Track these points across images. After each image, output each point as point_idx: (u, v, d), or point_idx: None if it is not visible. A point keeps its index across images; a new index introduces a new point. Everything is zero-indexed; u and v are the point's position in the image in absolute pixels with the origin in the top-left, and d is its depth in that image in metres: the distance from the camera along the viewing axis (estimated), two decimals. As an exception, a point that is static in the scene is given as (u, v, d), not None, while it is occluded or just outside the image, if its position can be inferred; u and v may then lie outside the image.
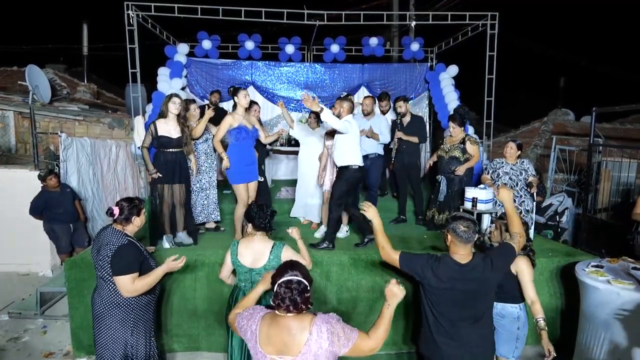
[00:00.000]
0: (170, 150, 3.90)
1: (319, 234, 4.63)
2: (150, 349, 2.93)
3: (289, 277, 1.92)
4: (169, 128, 3.89)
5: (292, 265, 2.01)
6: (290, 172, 7.50)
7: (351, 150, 4.09)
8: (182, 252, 3.84)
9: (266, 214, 2.87)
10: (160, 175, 3.88)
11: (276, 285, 1.92)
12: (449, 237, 2.47)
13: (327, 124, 4.05)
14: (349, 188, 4.17)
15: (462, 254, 2.44)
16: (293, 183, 5.26)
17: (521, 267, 2.77)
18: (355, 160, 4.10)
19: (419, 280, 2.53)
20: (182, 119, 4.01)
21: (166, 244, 4.04)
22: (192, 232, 4.17)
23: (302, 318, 1.89)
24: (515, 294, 2.83)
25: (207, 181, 4.69)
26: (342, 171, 4.13)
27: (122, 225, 2.76)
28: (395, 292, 2.08)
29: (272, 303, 1.94)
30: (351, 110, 4.16)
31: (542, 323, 2.62)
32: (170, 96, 3.96)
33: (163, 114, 3.92)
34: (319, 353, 1.81)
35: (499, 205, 4.52)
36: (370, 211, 2.75)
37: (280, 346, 1.85)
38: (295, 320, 1.87)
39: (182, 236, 4.12)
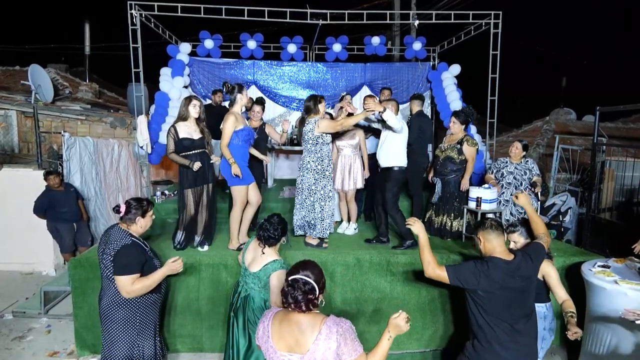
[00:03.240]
0: (194, 152, 3.85)
1: (350, 231, 4.67)
2: (156, 348, 2.94)
3: (297, 276, 1.94)
4: (189, 130, 3.85)
5: (304, 265, 2.02)
6: (292, 171, 7.49)
7: (399, 151, 4.15)
8: (190, 252, 3.89)
9: (267, 228, 2.76)
10: (200, 165, 3.79)
11: (285, 282, 1.97)
12: (482, 238, 2.50)
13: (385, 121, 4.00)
14: (399, 187, 4.22)
15: (501, 250, 2.46)
16: (295, 182, 5.22)
17: (547, 271, 2.81)
18: (400, 161, 4.15)
19: (471, 290, 2.46)
20: (202, 121, 3.96)
21: (204, 247, 3.98)
22: (208, 237, 4.08)
23: (313, 316, 1.90)
24: (541, 292, 2.86)
25: (319, 190, 4.31)
26: (387, 173, 4.16)
27: (127, 224, 2.77)
28: (402, 326, 1.97)
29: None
30: (397, 110, 4.19)
31: (572, 315, 2.60)
32: (190, 99, 3.91)
33: (183, 117, 3.87)
34: (326, 353, 1.82)
35: (503, 205, 4.52)
36: (416, 226, 2.67)
37: (291, 342, 1.88)
38: (306, 318, 1.89)
39: (198, 240, 4.02)
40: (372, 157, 5.27)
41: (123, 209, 2.74)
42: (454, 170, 4.50)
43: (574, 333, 2.41)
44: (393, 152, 4.15)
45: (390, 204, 4.12)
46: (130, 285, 2.60)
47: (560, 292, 2.77)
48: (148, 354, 2.85)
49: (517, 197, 2.93)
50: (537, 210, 4.48)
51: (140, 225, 2.80)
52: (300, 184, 4.08)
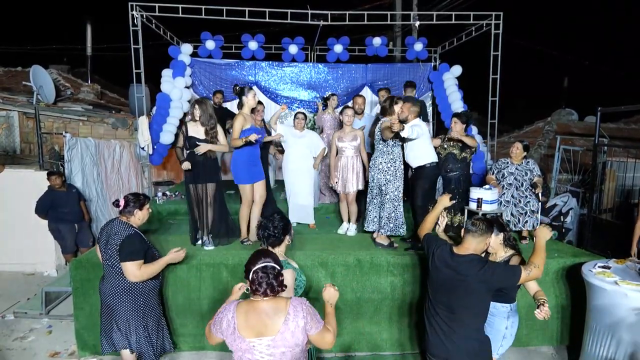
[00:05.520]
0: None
1: (351, 232, 4.66)
2: (164, 332, 3.22)
3: (264, 264, 2.04)
4: (197, 129, 4.02)
5: (264, 253, 2.14)
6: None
7: (424, 149, 4.20)
8: (191, 251, 3.88)
9: (267, 226, 2.71)
10: (189, 167, 4.00)
11: (252, 273, 2.03)
12: (463, 232, 2.64)
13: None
14: (430, 186, 4.27)
15: (465, 246, 2.57)
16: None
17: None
18: (429, 158, 4.21)
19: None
20: (206, 124, 4.02)
21: (207, 247, 4.06)
22: (216, 236, 4.17)
23: (277, 301, 2.03)
24: (508, 294, 2.84)
25: (391, 191, 4.14)
26: (420, 171, 4.21)
27: (127, 217, 2.99)
28: (332, 292, 2.26)
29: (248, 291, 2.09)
30: (417, 115, 4.25)
31: (544, 301, 2.59)
32: (194, 103, 4.11)
33: (192, 118, 4.11)
34: (296, 331, 1.97)
35: (504, 206, 4.52)
36: (444, 198, 3.13)
37: (259, 328, 1.98)
38: (271, 303, 2.01)
39: (206, 240, 4.11)
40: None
41: (122, 203, 2.97)
42: (455, 167, 4.57)
43: (544, 311, 2.48)
44: (420, 151, 4.21)
45: (419, 200, 4.18)
46: (137, 269, 2.84)
47: (532, 285, 2.78)
48: (155, 337, 3.09)
49: (536, 229, 2.82)
50: (538, 211, 4.50)
51: (139, 217, 3.03)
52: (371, 183, 4.16)
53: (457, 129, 4.59)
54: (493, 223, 2.80)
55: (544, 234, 2.66)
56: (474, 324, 2.57)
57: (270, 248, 2.70)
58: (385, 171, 4.03)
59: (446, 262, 2.57)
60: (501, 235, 2.88)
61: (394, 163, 4.04)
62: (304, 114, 5.15)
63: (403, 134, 3.75)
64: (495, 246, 2.87)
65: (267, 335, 1.96)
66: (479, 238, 2.54)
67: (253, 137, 3.88)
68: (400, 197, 4.12)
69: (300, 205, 5.01)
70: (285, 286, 2.08)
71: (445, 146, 4.63)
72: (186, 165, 3.97)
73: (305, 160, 4.98)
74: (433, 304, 2.66)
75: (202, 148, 3.92)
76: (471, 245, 2.55)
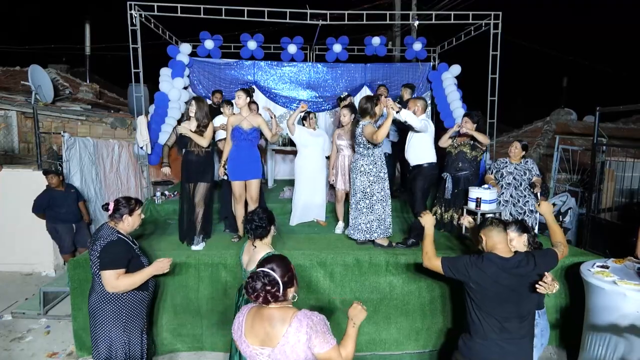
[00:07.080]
0: (191, 149, 4.07)
1: (339, 230, 4.68)
2: (142, 346, 3.00)
3: (260, 269, 1.95)
4: (190, 128, 4.06)
5: (269, 260, 2.02)
6: (292, 171, 7.47)
7: (426, 149, 4.22)
8: (189, 251, 3.88)
9: (253, 218, 2.74)
10: (167, 172, 4.30)
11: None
12: (484, 236, 2.53)
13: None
14: (429, 185, 4.28)
15: (500, 247, 2.46)
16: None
17: None
18: (429, 157, 4.22)
19: (463, 282, 2.54)
20: (200, 121, 4.08)
21: (195, 246, 4.00)
22: (206, 236, 4.25)
23: (285, 310, 1.92)
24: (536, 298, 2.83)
25: (377, 192, 4.09)
26: (417, 170, 4.22)
27: (115, 222, 2.85)
28: (358, 310, 2.13)
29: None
30: (425, 109, 4.22)
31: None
32: (191, 100, 4.18)
33: (188, 116, 4.16)
34: (297, 346, 1.83)
35: (503, 205, 4.52)
36: (426, 218, 2.91)
37: (262, 336, 1.89)
38: (278, 312, 1.91)
39: (196, 239, 4.07)
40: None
41: (111, 206, 2.83)
42: (465, 166, 4.62)
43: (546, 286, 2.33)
44: (420, 150, 4.23)
45: (418, 201, 4.18)
46: (115, 280, 2.66)
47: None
48: (133, 350, 2.91)
49: (539, 205, 2.94)
50: (536, 211, 4.49)
51: (128, 223, 2.87)
52: (353, 187, 4.10)
53: (467, 128, 4.64)
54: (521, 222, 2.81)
55: (549, 209, 2.73)
56: (533, 318, 2.55)
57: (258, 240, 2.72)
58: (368, 173, 3.99)
59: (501, 271, 2.39)
60: (525, 236, 2.86)
61: (375, 165, 4.00)
62: (312, 112, 5.19)
63: (402, 115, 3.73)
64: (519, 246, 2.80)
65: (268, 345, 1.87)
66: (504, 233, 2.49)
67: (221, 172, 4.27)
68: (387, 197, 4.07)
69: (316, 203, 5.03)
70: (277, 298, 1.91)
71: (456, 145, 4.67)
72: (166, 169, 4.33)
73: (322, 159, 5.01)
74: (500, 323, 2.41)
75: (183, 129, 3.98)
76: (503, 242, 2.48)
